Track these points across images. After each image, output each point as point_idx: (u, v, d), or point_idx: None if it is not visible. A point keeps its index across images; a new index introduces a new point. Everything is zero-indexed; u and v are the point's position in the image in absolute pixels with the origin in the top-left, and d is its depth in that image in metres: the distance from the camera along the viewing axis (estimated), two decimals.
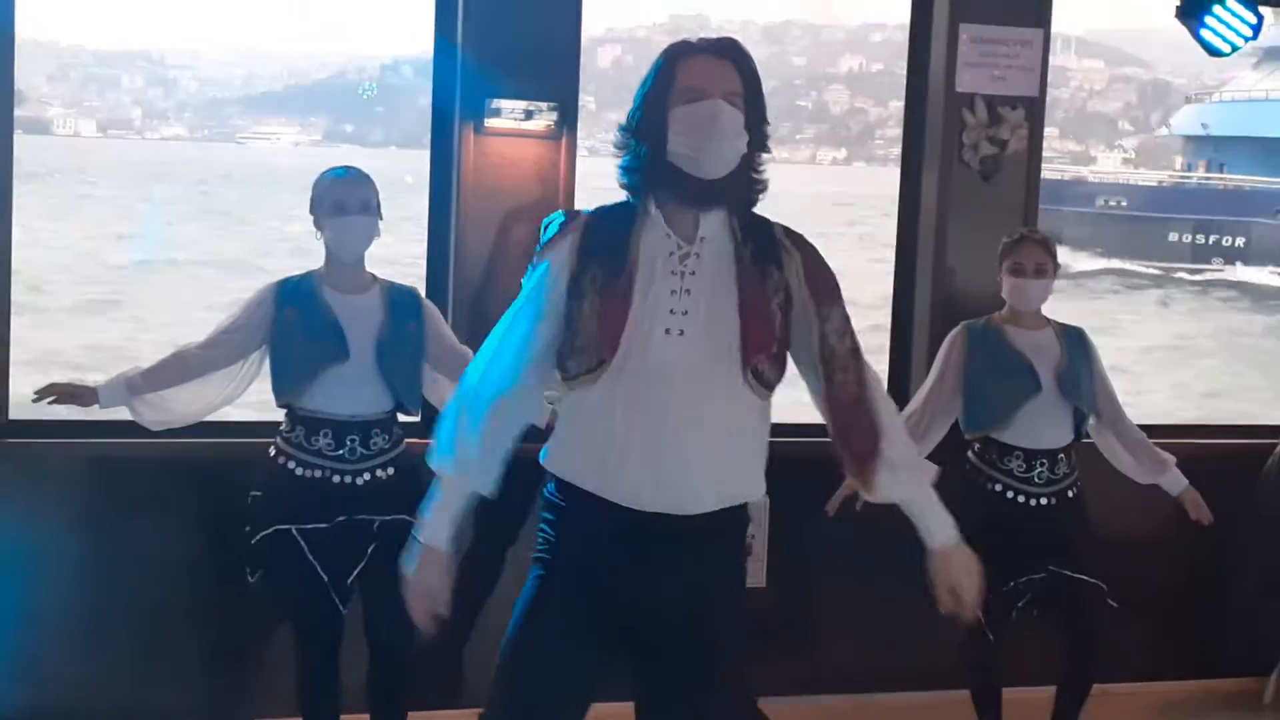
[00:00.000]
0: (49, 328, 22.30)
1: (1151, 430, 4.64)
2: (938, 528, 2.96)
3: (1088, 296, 31.18)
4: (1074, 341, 4.40)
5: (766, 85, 2.90)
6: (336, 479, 3.82)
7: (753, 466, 2.86)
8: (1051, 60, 5.26)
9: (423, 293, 4.29)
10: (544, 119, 4.63)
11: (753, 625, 3.00)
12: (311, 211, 3.90)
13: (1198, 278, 35.77)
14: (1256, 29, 5.01)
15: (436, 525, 2.88)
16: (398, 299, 3.94)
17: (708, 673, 2.85)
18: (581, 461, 2.79)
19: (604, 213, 2.87)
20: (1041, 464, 4.29)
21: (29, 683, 4.36)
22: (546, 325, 2.80)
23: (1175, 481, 4.48)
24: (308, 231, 3.95)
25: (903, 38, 5.25)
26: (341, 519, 3.81)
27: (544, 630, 2.84)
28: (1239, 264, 36.19)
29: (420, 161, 4.85)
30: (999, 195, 5.02)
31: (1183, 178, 41.01)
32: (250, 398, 4.02)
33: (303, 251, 3.95)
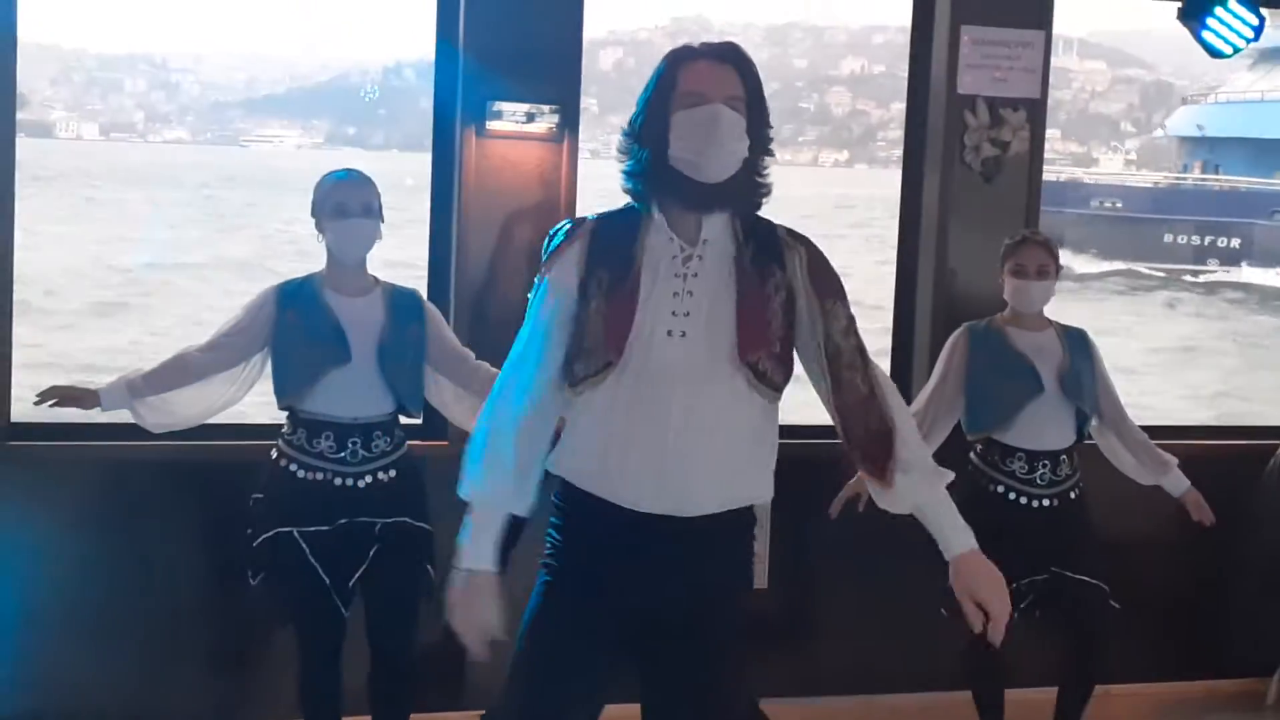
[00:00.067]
0: (58, 331, 22.32)
1: (1153, 431, 4.64)
2: (954, 535, 2.90)
3: (1093, 298, 31.17)
4: (1076, 342, 4.40)
5: (768, 87, 2.90)
6: (338, 481, 3.82)
7: (758, 469, 2.86)
8: (1053, 62, 5.26)
9: (424, 295, 4.30)
10: (545, 121, 4.63)
11: (754, 626, 3.00)
12: (313, 214, 3.90)
13: (1202, 279, 35.73)
14: (1258, 30, 5.01)
15: (478, 549, 2.80)
16: (399, 301, 3.94)
17: (711, 675, 2.86)
18: (586, 464, 2.80)
19: (609, 218, 2.88)
20: (1043, 465, 4.29)
21: (31, 686, 4.37)
22: (562, 339, 2.80)
23: (1177, 483, 4.48)
24: (312, 234, 3.95)
25: (904, 40, 5.25)
26: (343, 521, 3.81)
27: (552, 634, 2.84)
28: (1244, 264, 36.17)
29: (423, 164, 4.85)
30: (1000, 197, 5.02)
31: (1178, 179, 40.99)
32: (252, 400, 4.02)
33: (308, 254, 3.95)
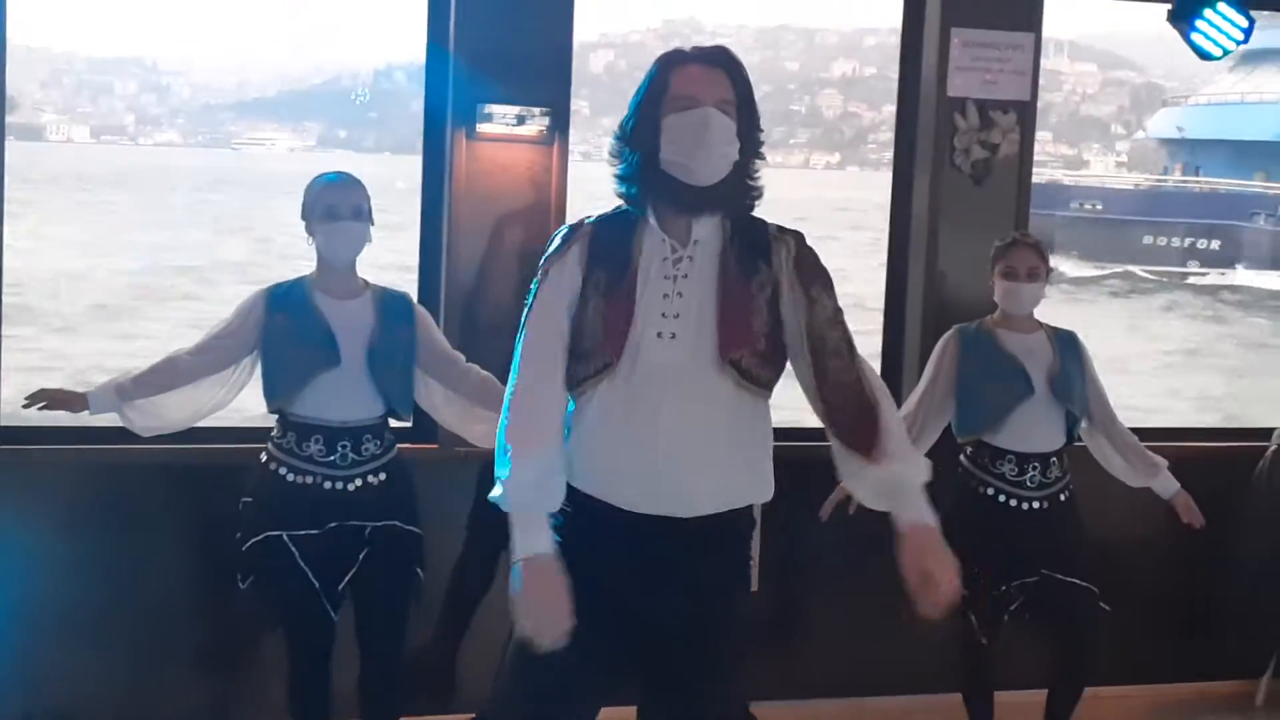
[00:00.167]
0: (57, 335, 22.25)
1: (1143, 433, 4.65)
2: (919, 510, 2.83)
3: (1086, 300, 31.19)
4: (1066, 345, 4.41)
5: (759, 90, 2.94)
6: (328, 485, 3.81)
7: (752, 468, 2.87)
8: (1044, 64, 5.27)
9: (415, 297, 4.29)
10: (536, 124, 4.63)
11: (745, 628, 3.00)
12: (303, 217, 3.90)
13: (1191, 281, 35.76)
14: (1248, 32, 5.02)
15: (529, 536, 2.72)
16: (389, 304, 3.94)
17: (708, 677, 2.87)
18: (583, 465, 2.81)
19: (605, 220, 2.90)
20: (1034, 467, 4.29)
21: (20, 688, 4.35)
22: (567, 339, 2.81)
23: (1167, 484, 4.48)
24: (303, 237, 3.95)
25: (896, 42, 5.25)
26: (333, 525, 3.80)
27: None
28: (1239, 267, 36.22)
29: (414, 167, 4.86)
30: (990, 199, 5.03)
31: (1159, 181, 41.07)
32: (241, 403, 4.01)
33: (308, 257, 3.93)
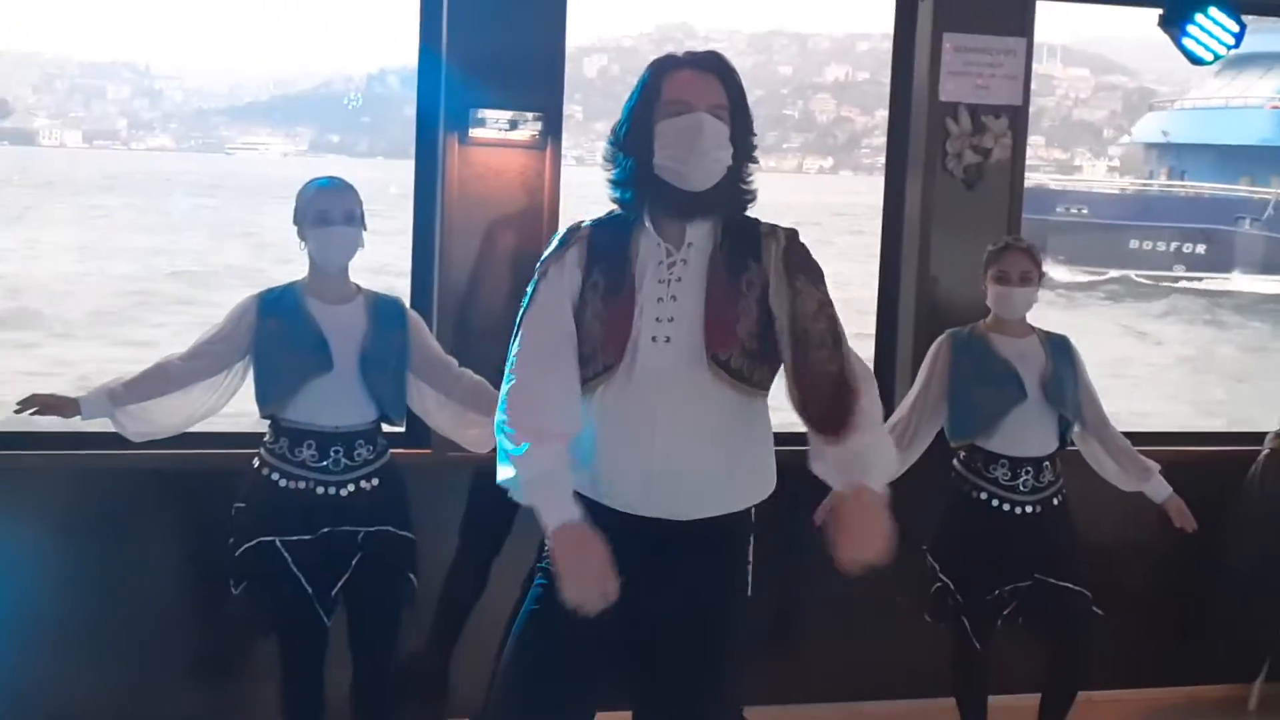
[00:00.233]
0: (59, 340, 22.19)
1: (1135, 437, 4.65)
2: (871, 475, 2.78)
3: (1081, 305, 31.18)
4: (1059, 349, 4.41)
5: (752, 95, 2.95)
6: (320, 490, 3.80)
7: (750, 469, 2.87)
8: (1037, 68, 5.28)
9: (407, 302, 4.29)
10: (528, 129, 4.63)
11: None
12: (295, 222, 3.89)
13: (1195, 286, 35.77)
14: (1239, 37, 5.02)
15: (556, 507, 2.71)
16: (381, 309, 3.93)
17: (702, 681, 2.88)
18: (581, 468, 2.81)
19: (603, 223, 2.91)
20: (1026, 472, 4.29)
21: (11, 695, 4.35)
22: (569, 329, 2.82)
23: (1159, 489, 4.49)
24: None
25: (888, 47, 5.25)
26: (325, 530, 3.79)
27: (547, 637, 2.86)
28: (1236, 272, 36.26)
29: (408, 171, 4.85)
30: (983, 204, 5.03)
31: (1144, 186, 41.11)
32: (233, 408, 4.01)
33: (304, 261, 3.93)
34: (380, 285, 4.06)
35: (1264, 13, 6.12)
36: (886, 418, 4.36)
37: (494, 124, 4.61)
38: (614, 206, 2.93)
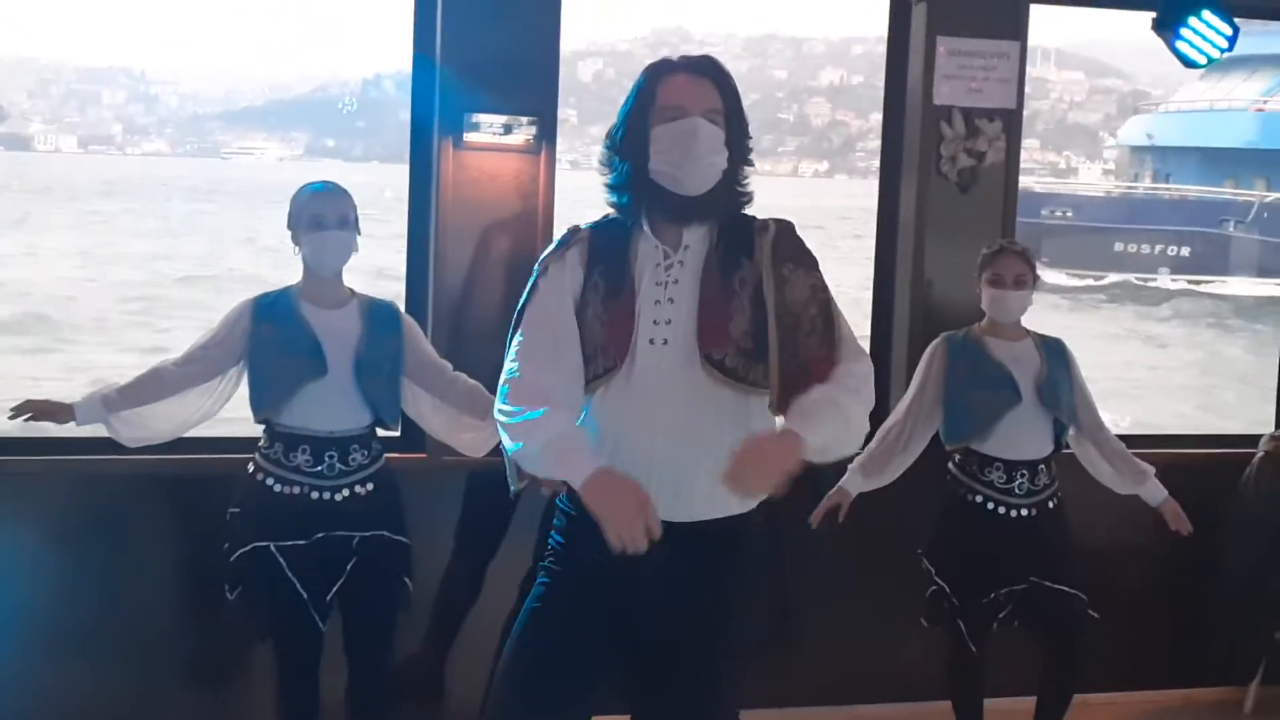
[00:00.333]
0: (69, 345, 22.15)
1: (1131, 440, 4.65)
2: (798, 422, 2.70)
3: (1081, 309, 31.17)
4: (1053, 352, 4.41)
5: (747, 99, 2.96)
6: (315, 495, 3.80)
7: None
8: (1031, 72, 5.28)
9: (402, 306, 4.29)
10: (523, 133, 4.63)
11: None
12: (289, 226, 3.89)
13: (1194, 289, 35.79)
14: (1232, 40, 5.02)
15: (578, 466, 2.64)
16: (376, 313, 3.93)
17: (700, 683, 2.88)
18: None
19: (602, 226, 2.92)
20: (1022, 475, 4.29)
21: (5, 699, 4.34)
22: (570, 324, 2.83)
23: (1154, 492, 4.49)
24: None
25: (883, 50, 5.26)
26: (320, 535, 3.79)
27: (548, 636, 2.87)
28: (1235, 276, 36.28)
29: (403, 176, 4.86)
30: (977, 207, 5.03)
31: (1129, 188, 41.14)
32: (228, 413, 4.00)
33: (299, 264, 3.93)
34: (379, 289, 4.06)
35: (1257, 16, 6.13)
36: (881, 421, 4.40)
37: (488, 128, 4.61)
38: (609, 211, 2.94)
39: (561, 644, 2.86)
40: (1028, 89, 5.15)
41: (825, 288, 2.87)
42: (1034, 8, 5.12)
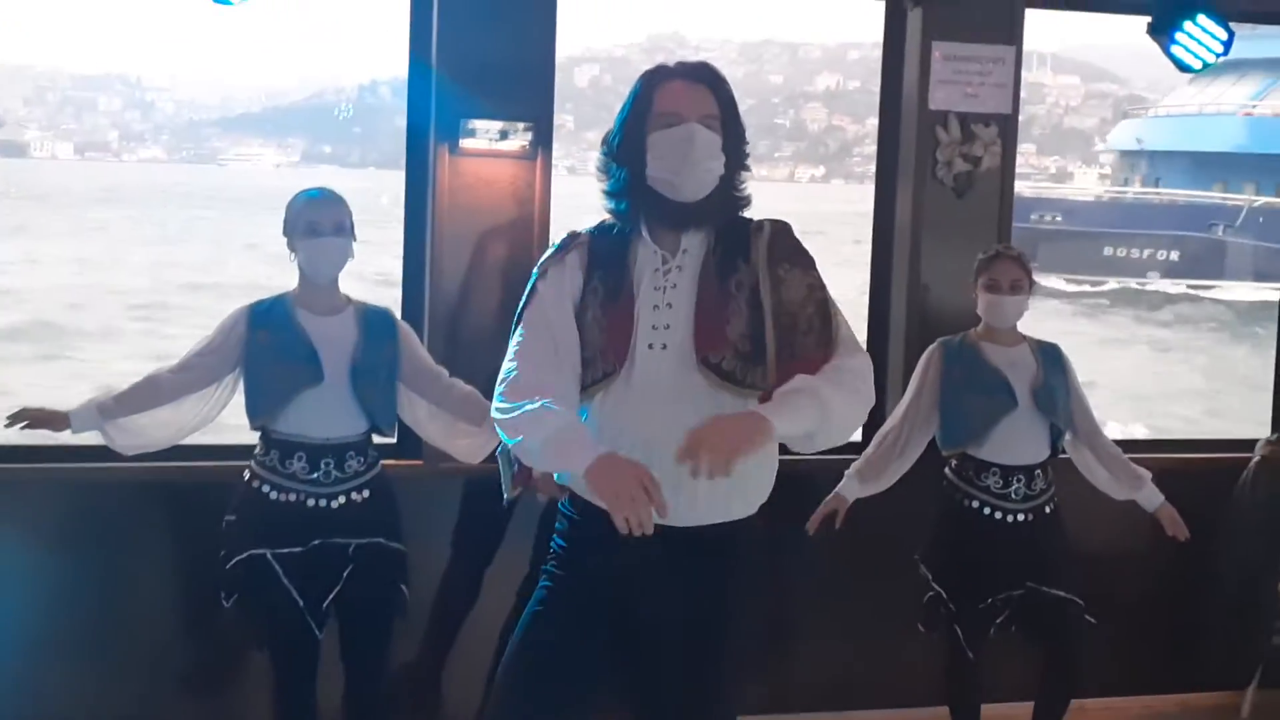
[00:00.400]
0: (78, 352, 22.12)
1: (1127, 445, 4.65)
2: (768, 403, 2.71)
3: (1081, 313, 31.17)
4: (1050, 357, 4.41)
5: (744, 104, 2.98)
6: (311, 502, 3.79)
7: (749, 476, 2.84)
8: (1027, 76, 5.30)
9: (398, 312, 4.29)
10: (519, 139, 4.63)
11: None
12: (285, 233, 3.88)
13: (1190, 293, 35.81)
14: (1228, 45, 5.01)
15: (581, 453, 2.62)
16: (372, 320, 3.92)
17: (702, 684, 2.89)
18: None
19: (601, 231, 2.93)
20: (1018, 480, 4.29)
21: (2, 706, 4.33)
22: (569, 326, 2.84)
23: (1151, 497, 4.48)
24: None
25: (879, 56, 5.26)
26: (316, 542, 3.78)
27: (548, 636, 2.89)
28: (1227, 282, 36.30)
29: (400, 182, 4.86)
30: (973, 212, 5.03)
31: (1119, 192, 41.19)
32: (224, 420, 4.00)
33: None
34: (384, 296, 4.06)
35: (1253, 20, 6.13)
36: (878, 426, 4.40)
37: (484, 134, 4.61)
38: (606, 216, 2.95)
39: (562, 646, 2.87)
40: (1023, 93, 5.15)
41: (822, 286, 2.87)
42: (1029, 12, 5.12)
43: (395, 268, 5.09)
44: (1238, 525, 5.17)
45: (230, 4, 4.12)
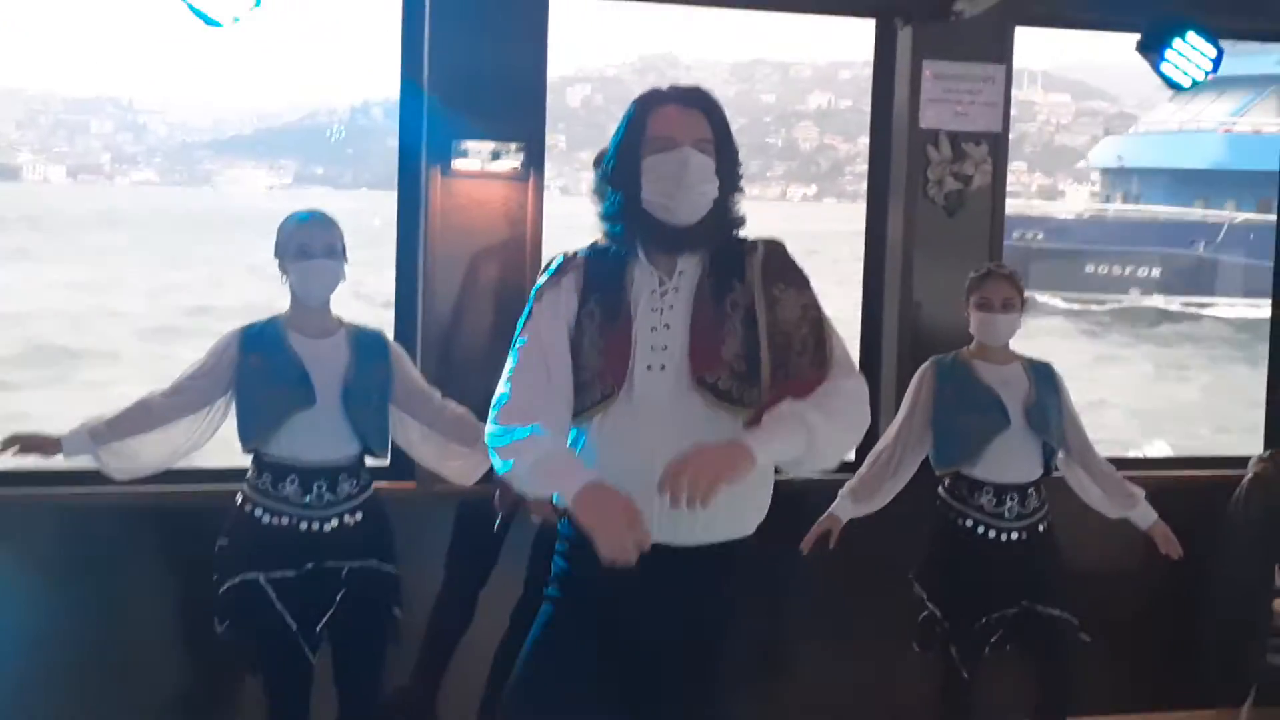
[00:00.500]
0: (88, 376, 22.03)
1: (1120, 463, 4.65)
2: (755, 431, 2.73)
3: (1075, 333, 31.20)
4: (1042, 376, 4.41)
5: (735, 123, 2.99)
6: (304, 526, 3.78)
7: (747, 496, 2.86)
8: (1018, 94, 5.32)
9: (391, 333, 4.28)
10: (511, 159, 4.64)
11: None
12: (276, 256, 3.88)
13: (1184, 311, 35.89)
14: (1217, 62, 5.03)
15: (571, 479, 2.66)
16: (364, 342, 3.92)
17: (702, 703, 2.90)
18: None
19: (597, 253, 2.94)
20: (1011, 498, 4.29)
21: None
22: (564, 352, 2.85)
23: (1145, 515, 4.48)
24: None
25: (870, 74, 5.28)
26: (310, 566, 3.77)
27: (553, 661, 2.90)
28: (1216, 298, 36.39)
29: (393, 203, 4.86)
30: (964, 230, 5.04)
31: (1100, 210, 41.33)
32: (216, 444, 3.99)
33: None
34: (388, 320, 4.04)
35: (1242, 38, 6.15)
36: (871, 446, 4.40)
37: (476, 155, 4.62)
38: (599, 236, 2.97)
39: (568, 669, 2.88)
40: (1015, 111, 5.17)
41: (817, 306, 2.89)
42: (1019, 30, 5.14)
43: (385, 290, 5.08)
44: (1231, 543, 5.17)
45: (220, 26, 4.11)
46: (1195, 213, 38.28)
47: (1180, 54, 5.00)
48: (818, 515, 4.36)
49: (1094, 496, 4.49)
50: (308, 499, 3.78)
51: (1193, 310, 35.80)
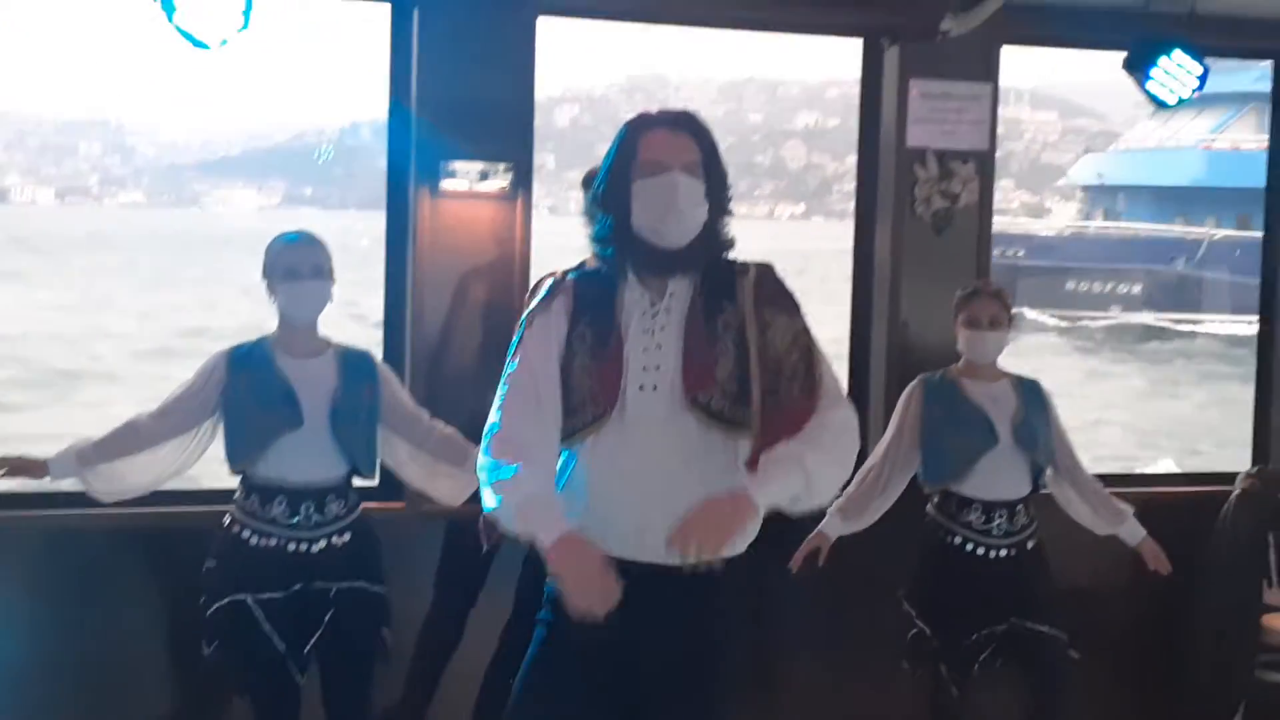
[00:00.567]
0: (87, 397, 21.95)
1: (1108, 480, 4.66)
2: (752, 481, 2.76)
3: (1067, 350, 31.23)
4: (1030, 393, 4.42)
5: (724, 142, 3.01)
6: (292, 547, 3.77)
7: None
8: (1005, 112, 5.35)
9: (380, 354, 4.28)
10: (499, 180, 4.64)
11: None
12: (264, 277, 3.87)
13: (1173, 329, 35.96)
14: (1203, 80, 5.05)
15: (547, 526, 2.68)
16: (351, 362, 3.91)
17: None
18: (576, 516, 2.80)
19: (586, 275, 2.95)
20: (1000, 515, 4.29)
21: None
22: (554, 380, 2.85)
23: (1133, 532, 4.49)
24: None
25: (858, 93, 5.29)
26: (298, 587, 3.76)
27: (549, 684, 2.89)
28: (1202, 314, 36.48)
29: (381, 223, 4.86)
30: (951, 248, 5.06)
31: (1081, 227, 41.47)
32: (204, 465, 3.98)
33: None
34: (361, 338, 4.04)
35: (1228, 55, 6.18)
36: (860, 464, 4.40)
37: (465, 175, 4.62)
38: (588, 256, 2.98)
39: (563, 691, 2.88)
40: (1002, 130, 5.18)
41: (807, 332, 2.90)
42: (1005, 49, 5.16)
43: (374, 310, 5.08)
44: (1219, 559, 5.18)
45: (207, 48, 4.11)
46: (1175, 229, 38.44)
47: (1166, 72, 5.01)
48: (807, 533, 4.36)
49: (1082, 513, 4.49)
50: (296, 520, 3.77)
51: (1183, 327, 35.88)
